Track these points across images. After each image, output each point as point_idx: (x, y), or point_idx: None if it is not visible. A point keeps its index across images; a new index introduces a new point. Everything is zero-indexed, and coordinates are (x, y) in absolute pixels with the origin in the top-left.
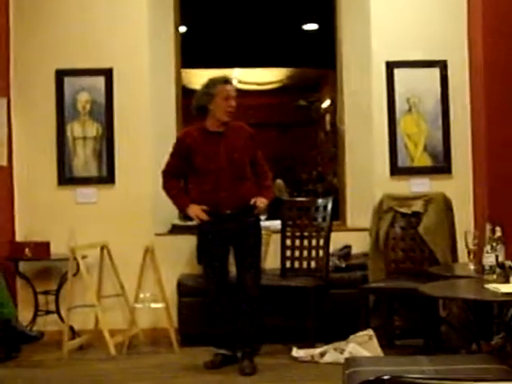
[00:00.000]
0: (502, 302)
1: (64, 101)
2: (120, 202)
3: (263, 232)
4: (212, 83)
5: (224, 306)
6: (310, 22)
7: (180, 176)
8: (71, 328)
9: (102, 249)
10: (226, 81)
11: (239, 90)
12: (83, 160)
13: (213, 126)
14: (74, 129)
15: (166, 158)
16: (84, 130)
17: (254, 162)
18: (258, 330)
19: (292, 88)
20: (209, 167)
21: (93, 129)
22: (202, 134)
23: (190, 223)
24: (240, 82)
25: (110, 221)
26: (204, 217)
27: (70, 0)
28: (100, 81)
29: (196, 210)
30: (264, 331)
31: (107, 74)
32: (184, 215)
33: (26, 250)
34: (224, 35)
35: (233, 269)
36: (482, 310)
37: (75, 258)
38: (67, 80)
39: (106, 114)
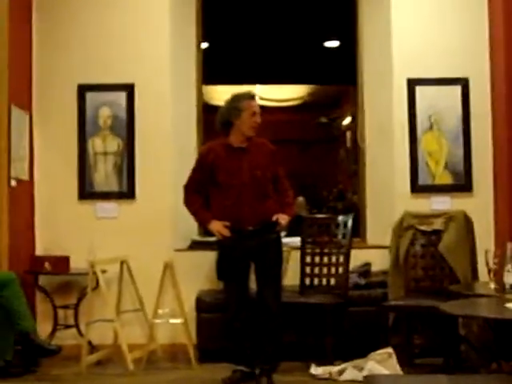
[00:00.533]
0: None
1: (86, 116)
2: (140, 217)
3: (283, 249)
4: (238, 98)
5: (244, 322)
6: (331, 39)
7: (202, 191)
8: (90, 342)
9: (121, 263)
10: (252, 96)
11: (260, 107)
12: (104, 175)
13: (236, 142)
14: (96, 144)
15: (186, 173)
16: (105, 145)
17: (276, 178)
18: (277, 347)
19: (313, 105)
20: (231, 183)
21: (114, 144)
22: (224, 149)
23: (209, 239)
24: (261, 98)
25: (129, 236)
26: (226, 233)
27: (93, 15)
28: (122, 96)
29: (218, 226)
30: (283, 348)
31: (129, 89)
32: (205, 231)
33: (46, 263)
34: (246, 52)
35: (253, 285)
36: (503, 329)
37: (95, 273)
38: (89, 95)
39: (127, 130)
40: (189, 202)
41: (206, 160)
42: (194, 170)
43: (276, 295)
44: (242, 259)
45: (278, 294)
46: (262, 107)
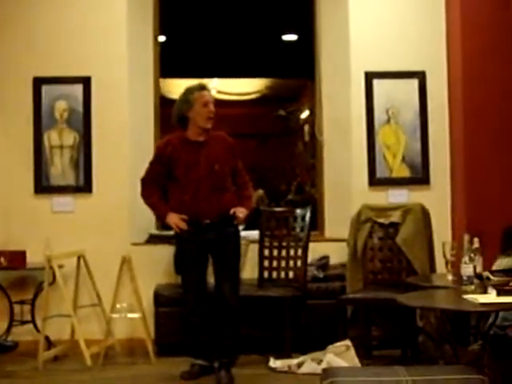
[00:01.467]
0: (480, 312)
1: (41, 109)
2: (97, 212)
3: (241, 242)
4: (189, 91)
5: (202, 316)
6: (289, 33)
7: (159, 184)
8: (47, 338)
9: (78, 258)
10: (203, 87)
11: (218, 101)
12: (60, 169)
13: (194, 135)
14: (52, 137)
15: (144, 167)
16: (61, 139)
17: (235, 172)
18: (235, 340)
19: (271, 98)
20: (189, 176)
21: (70, 137)
22: (182, 142)
23: (166, 233)
24: (219, 92)
25: (86, 230)
26: (183, 226)
27: (49, 8)
28: (78, 89)
29: (175, 219)
30: (241, 342)
31: (85, 82)
32: (162, 224)
33: (2, 258)
34: (203, 45)
35: (211, 279)
36: (460, 321)
37: (51, 267)
38: (45, 88)
39: (83, 123)
40: (146, 194)
41: (164, 153)
42: (152, 163)
43: (234, 289)
44: (200, 253)
45: (236, 287)
46: (220, 101)
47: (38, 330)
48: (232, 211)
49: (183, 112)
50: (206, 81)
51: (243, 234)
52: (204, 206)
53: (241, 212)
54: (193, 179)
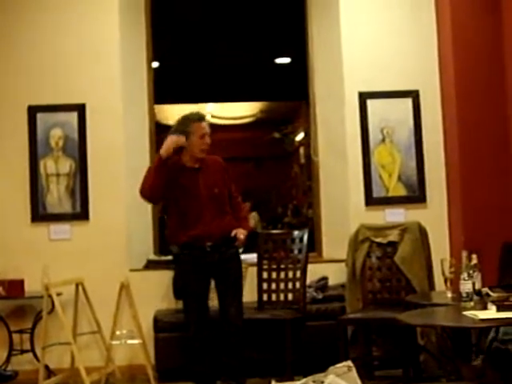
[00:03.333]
0: (480, 328)
1: (37, 137)
2: (94, 238)
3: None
4: (187, 121)
5: (204, 341)
6: (282, 56)
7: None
8: (47, 367)
9: (76, 285)
10: (201, 118)
11: (213, 125)
12: (57, 196)
13: (189, 162)
14: (47, 165)
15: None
16: (57, 167)
17: (230, 194)
18: (243, 362)
19: (266, 122)
20: (190, 202)
21: (66, 165)
22: (179, 168)
23: (164, 258)
24: (214, 116)
25: (84, 257)
26: (181, 139)
27: (42, 36)
28: (73, 116)
29: (169, 140)
30: (247, 365)
31: (80, 109)
32: (160, 250)
33: (0, 288)
34: (197, 70)
35: (212, 303)
36: (461, 338)
37: (50, 296)
38: (40, 116)
39: (79, 150)
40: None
41: (166, 163)
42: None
43: (239, 310)
44: (202, 276)
45: (241, 309)
46: (215, 125)
47: (37, 359)
48: (233, 233)
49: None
50: (200, 106)
51: (241, 257)
52: (207, 229)
53: (241, 233)
54: (194, 205)
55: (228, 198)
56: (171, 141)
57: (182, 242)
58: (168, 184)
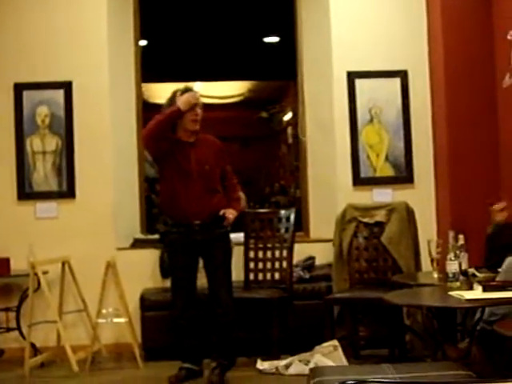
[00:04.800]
0: (466, 308)
1: (23, 114)
2: (81, 217)
3: None
4: (175, 95)
5: (190, 319)
6: (270, 35)
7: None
8: (33, 345)
9: (63, 264)
10: (188, 90)
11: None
12: (43, 174)
13: (184, 137)
14: (34, 143)
15: (127, 171)
16: (43, 144)
17: (224, 174)
18: (233, 342)
19: (254, 101)
20: (180, 176)
21: (52, 143)
22: (174, 142)
23: (151, 237)
24: (202, 95)
25: (70, 235)
26: (194, 97)
27: (29, 13)
28: (59, 94)
29: (184, 97)
30: (237, 344)
31: (67, 87)
32: (148, 228)
33: None
34: (185, 49)
35: (199, 282)
36: (446, 318)
37: (36, 274)
38: (26, 94)
39: (65, 128)
40: (150, 124)
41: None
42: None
43: (229, 291)
44: (190, 255)
45: (231, 289)
46: (203, 104)
47: (23, 337)
48: (222, 212)
49: None
50: (188, 85)
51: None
52: (195, 206)
53: (230, 213)
54: (184, 179)
55: (220, 178)
56: (190, 96)
57: (170, 218)
58: (163, 156)
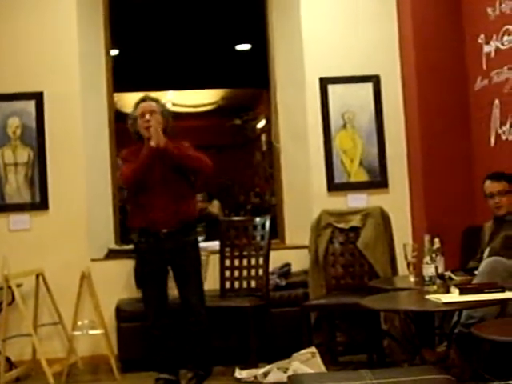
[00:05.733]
0: (443, 311)
1: None
2: (54, 228)
3: (201, 253)
4: (134, 107)
5: (163, 329)
6: (242, 42)
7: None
8: (7, 359)
9: (37, 276)
10: (142, 99)
11: (174, 113)
12: (15, 186)
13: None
14: (5, 155)
15: (99, 182)
16: (15, 156)
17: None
18: (209, 351)
19: (227, 109)
20: (146, 187)
21: (24, 154)
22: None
23: (126, 247)
24: (174, 104)
25: (44, 247)
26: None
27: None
28: (30, 105)
29: (156, 128)
30: (213, 353)
31: (38, 98)
32: (122, 239)
33: None
34: (157, 57)
35: (172, 292)
36: (424, 321)
37: (9, 287)
38: None
39: (37, 139)
40: (127, 172)
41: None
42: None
43: (200, 299)
44: (159, 264)
45: (202, 297)
46: (176, 113)
47: None
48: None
49: (133, 128)
50: (161, 94)
51: (203, 244)
52: (162, 215)
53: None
54: (150, 188)
55: (187, 182)
56: (156, 128)
57: (139, 227)
58: None
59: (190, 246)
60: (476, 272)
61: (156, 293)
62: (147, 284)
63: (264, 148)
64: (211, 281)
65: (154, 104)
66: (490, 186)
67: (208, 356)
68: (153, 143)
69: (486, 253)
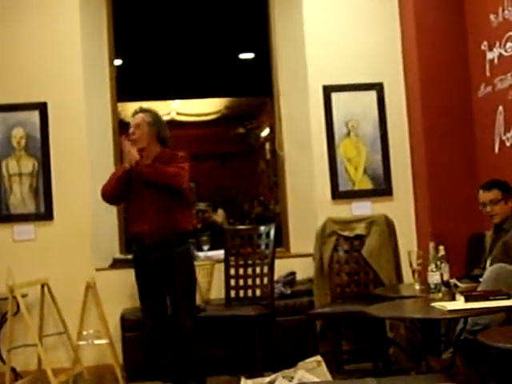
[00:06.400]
0: (449, 319)
1: None
2: (59, 238)
3: (206, 262)
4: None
5: (163, 337)
6: (246, 51)
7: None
8: (13, 369)
9: (42, 286)
10: (134, 113)
11: (178, 122)
12: (20, 196)
13: (143, 159)
14: (10, 165)
15: None
16: (20, 166)
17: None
18: (200, 362)
19: (231, 118)
20: (135, 199)
21: (29, 164)
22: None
23: (130, 256)
24: (179, 113)
25: (49, 257)
26: (135, 154)
27: (2, 34)
28: (34, 115)
29: (127, 151)
30: (211, 362)
31: (42, 108)
32: (127, 249)
33: None
34: (161, 67)
35: None
36: (430, 329)
37: (14, 297)
38: (1, 116)
39: (41, 149)
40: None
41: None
42: None
43: (190, 312)
44: (149, 274)
45: (192, 309)
46: (180, 122)
47: (3, 362)
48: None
49: None
50: (165, 103)
51: (209, 253)
52: (147, 227)
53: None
54: (138, 200)
55: (173, 195)
56: (129, 149)
57: (131, 238)
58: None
59: (177, 258)
60: (481, 279)
61: (151, 302)
62: (142, 294)
63: (268, 156)
64: (216, 290)
65: (141, 116)
66: (482, 195)
67: (199, 367)
68: (126, 164)
69: (489, 262)
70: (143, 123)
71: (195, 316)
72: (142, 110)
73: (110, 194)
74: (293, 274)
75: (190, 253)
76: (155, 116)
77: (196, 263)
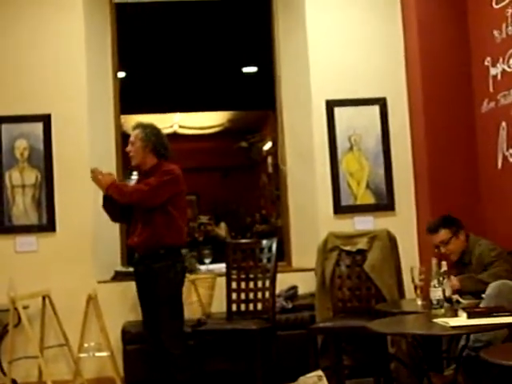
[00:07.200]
0: (451, 335)
1: (1, 148)
2: (61, 250)
3: (208, 275)
4: None
5: (160, 349)
6: (249, 65)
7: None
8: (14, 381)
9: (43, 298)
10: (136, 127)
11: (180, 135)
12: (22, 208)
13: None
14: (13, 176)
15: None
16: (23, 178)
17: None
18: (186, 378)
19: (233, 131)
20: (130, 213)
21: (32, 176)
22: None
23: (132, 269)
24: (181, 126)
25: (51, 269)
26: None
27: (7, 46)
28: (38, 127)
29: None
30: (212, 376)
31: (45, 119)
32: (128, 261)
33: None
34: (164, 80)
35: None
36: (431, 345)
37: (16, 309)
38: (4, 127)
39: (44, 161)
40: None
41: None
42: None
43: (172, 335)
44: (142, 286)
45: (175, 325)
46: (182, 135)
47: (4, 374)
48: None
49: None
50: (167, 116)
51: (210, 267)
52: (136, 240)
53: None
54: (134, 213)
55: (161, 210)
56: (96, 176)
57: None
58: None
59: (159, 273)
60: (483, 295)
61: (147, 314)
62: (140, 305)
63: (270, 170)
64: (218, 303)
65: (135, 133)
66: (432, 238)
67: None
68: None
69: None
70: (136, 139)
71: (182, 337)
72: (136, 127)
73: (111, 219)
74: (294, 288)
75: (174, 269)
76: (149, 130)
77: (197, 276)
